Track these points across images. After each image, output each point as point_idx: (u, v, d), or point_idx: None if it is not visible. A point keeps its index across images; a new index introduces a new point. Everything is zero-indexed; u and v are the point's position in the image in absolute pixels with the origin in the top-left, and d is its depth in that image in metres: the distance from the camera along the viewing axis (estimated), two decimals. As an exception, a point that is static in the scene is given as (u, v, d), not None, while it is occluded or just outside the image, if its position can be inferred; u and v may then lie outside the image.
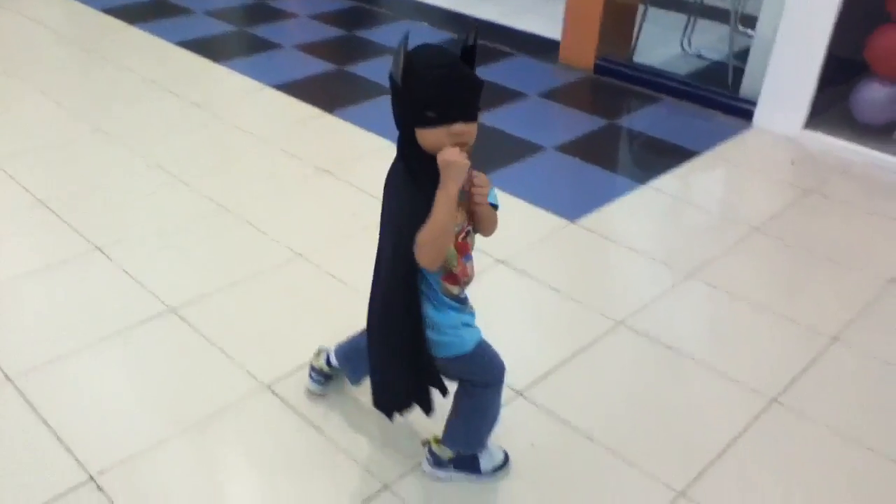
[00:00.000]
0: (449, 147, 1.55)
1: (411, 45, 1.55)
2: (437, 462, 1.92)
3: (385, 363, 1.81)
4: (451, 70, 1.54)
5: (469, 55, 1.59)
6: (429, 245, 1.59)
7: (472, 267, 1.76)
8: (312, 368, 2.18)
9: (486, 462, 1.92)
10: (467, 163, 1.55)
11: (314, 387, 2.19)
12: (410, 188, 1.61)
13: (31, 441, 2.00)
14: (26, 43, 4.71)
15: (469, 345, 1.75)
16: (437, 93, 1.53)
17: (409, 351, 1.74)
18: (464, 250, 1.71)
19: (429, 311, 1.72)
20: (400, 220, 1.65)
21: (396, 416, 1.88)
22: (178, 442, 2.01)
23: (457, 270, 1.71)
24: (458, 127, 1.55)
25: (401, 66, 1.53)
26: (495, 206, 1.73)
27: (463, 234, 1.69)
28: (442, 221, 1.57)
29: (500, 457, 1.95)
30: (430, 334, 1.72)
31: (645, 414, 2.17)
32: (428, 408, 1.83)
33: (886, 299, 2.69)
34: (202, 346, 2.34)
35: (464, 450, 1.90)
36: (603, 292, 2.67)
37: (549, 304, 2.60)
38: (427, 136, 1.57)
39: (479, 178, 1.64)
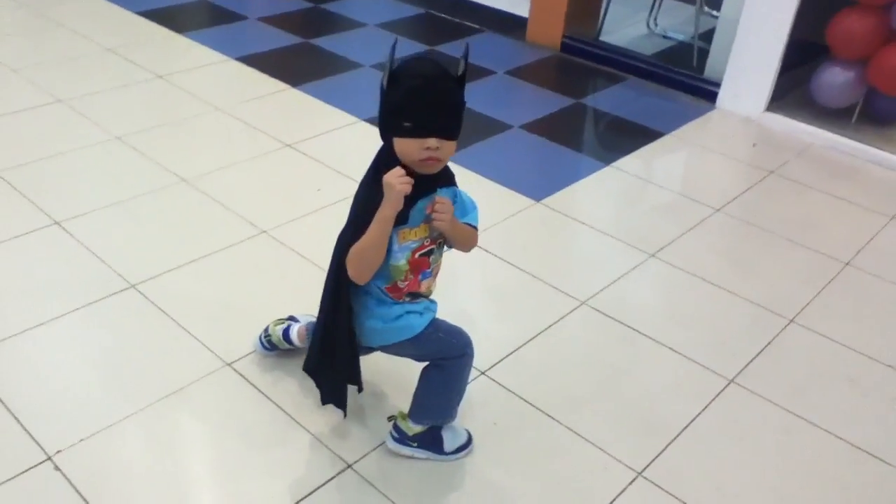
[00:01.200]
0: (396, 168, 1.58)
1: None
2: (401, 438, 1.93)
3: (317, 344, 1.87)
4: (430, 83, 1.57)
5: (459, 82, 1.61)
6: (355, 259, 1.65)
7: (431, 283, 1.80)
8: (267, 331, 2.18)
9: (449, 442, 1.93)
10: (406, 188, 1.57)
11: (259, 348, 2.20)
12: (372, 193, 1.63)
13: (-12, 420, 1.97)
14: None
15: (417, 329, 1.78)
16: (414, 103, 1.57)
17: (333, 340, 1.79)
18: (421, 267, 1.73)
19: (370, 303, 1.75)
20: (351, 221, 1.70)
21: (348, 406, 1.93)
22: (138, 420, 1.99)
23: (403, 285, 1.73)
24: (432, 142, 1.58)
25: (387, 71, 1.57)
26: (474, 227, 1.77)
27: (421, 251, 1.71)
28: (370, 239, 1.62)
29: (464, 437, 1.96)
30: (374, 323, 1.76)
31: (606, 394, 2.20)
32: (342, 401, 1.90)
33: (842, 281, 2.74)
34: (164, 322, 2.31)
35: (431, 421, 1.91)
36: (567, 272, 2.69)
37: (514, 284, 2.61)
38: (401, 146, 1.60)
39: (441, 203, 1.66)
